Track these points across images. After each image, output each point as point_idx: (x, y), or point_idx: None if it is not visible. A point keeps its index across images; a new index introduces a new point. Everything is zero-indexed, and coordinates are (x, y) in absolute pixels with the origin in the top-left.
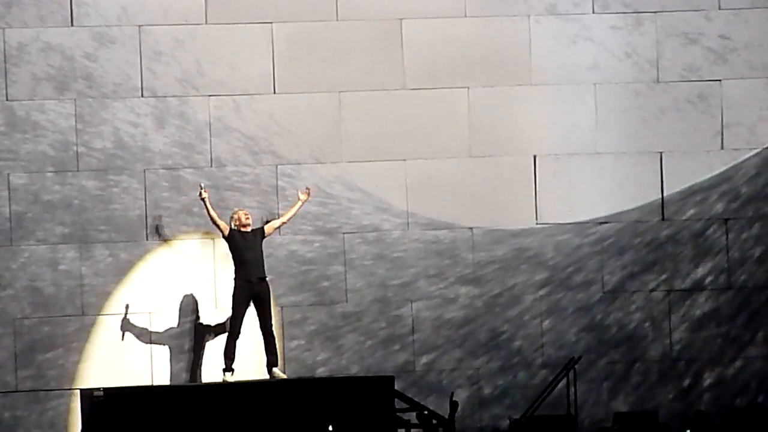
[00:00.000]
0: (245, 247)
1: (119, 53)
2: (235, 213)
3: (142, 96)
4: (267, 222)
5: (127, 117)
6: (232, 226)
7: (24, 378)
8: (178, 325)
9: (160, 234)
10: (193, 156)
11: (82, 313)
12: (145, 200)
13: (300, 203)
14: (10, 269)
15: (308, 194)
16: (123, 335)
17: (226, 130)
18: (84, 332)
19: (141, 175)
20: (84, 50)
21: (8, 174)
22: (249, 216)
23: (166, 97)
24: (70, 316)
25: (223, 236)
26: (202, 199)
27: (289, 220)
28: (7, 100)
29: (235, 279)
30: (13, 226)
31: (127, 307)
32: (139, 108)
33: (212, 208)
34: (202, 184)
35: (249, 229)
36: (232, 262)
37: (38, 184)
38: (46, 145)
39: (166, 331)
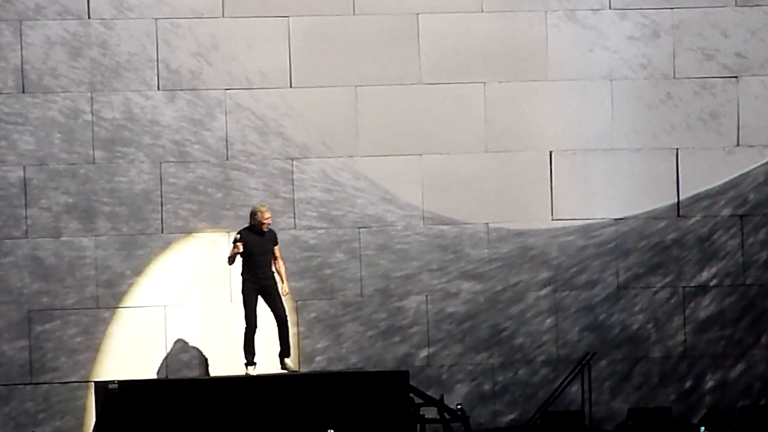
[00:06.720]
0: (257, 251)
1: (136, 23)
2: (257, 210)
3: (157, 69)
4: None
5: (139, 88)
6: (251, 223)
7: (21, 348)
8: (192, 318)
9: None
10: (202, 132)
11: (97, 306)
12: (161, 175)
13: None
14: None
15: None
16: None
17: (237, 108)
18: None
19: (148, 148)
20: (101, 16)
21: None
22: (270, 216)
23: (180, 75)
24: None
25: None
26: (238, 254)
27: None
28: (20, 62)
29: (242, 274)
30: (18, 192)
31: None
32: (151, 80)
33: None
34: (238, 236)
35: (267, 227)
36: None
37: (45, 151)
38: (56, 111)
39: (180, 324)
